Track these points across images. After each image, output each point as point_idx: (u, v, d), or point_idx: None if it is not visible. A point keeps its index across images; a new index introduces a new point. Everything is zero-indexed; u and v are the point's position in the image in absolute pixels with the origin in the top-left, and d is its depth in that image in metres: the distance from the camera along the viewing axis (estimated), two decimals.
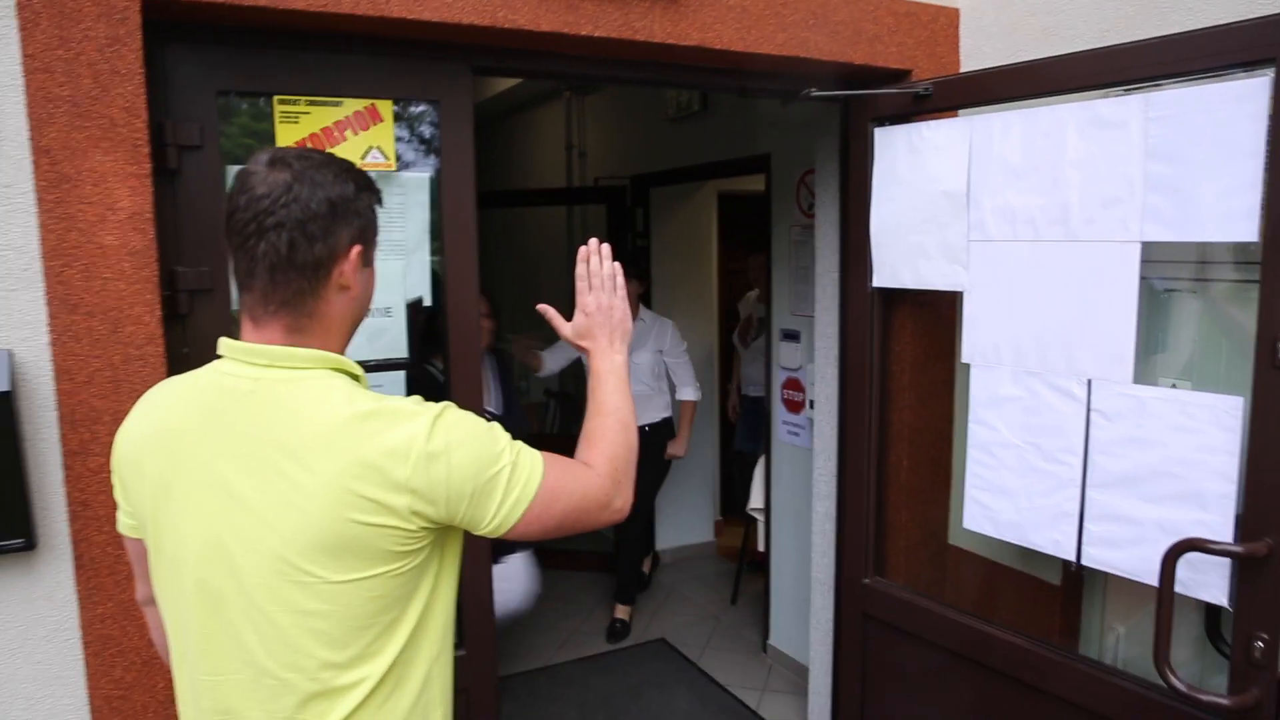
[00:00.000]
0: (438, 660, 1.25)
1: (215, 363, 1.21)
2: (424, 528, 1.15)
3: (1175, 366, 2.19)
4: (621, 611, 4.48)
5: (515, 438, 1.25)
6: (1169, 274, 2.18)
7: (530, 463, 1.22)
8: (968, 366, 2.36)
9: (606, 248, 1.55)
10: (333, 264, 1.17)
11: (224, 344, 1.21)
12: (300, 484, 1.10)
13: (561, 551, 5.15)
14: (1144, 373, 2.20)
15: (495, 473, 1.17)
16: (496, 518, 1.18)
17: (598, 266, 1.52)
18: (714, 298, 5.58)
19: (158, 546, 1.21)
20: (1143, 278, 2.11)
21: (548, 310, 1.59)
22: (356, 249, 1.19)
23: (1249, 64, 1.78)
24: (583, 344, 1.50)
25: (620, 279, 1.54)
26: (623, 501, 1.31)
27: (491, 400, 3.48)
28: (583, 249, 1.53)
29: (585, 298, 1.50)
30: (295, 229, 1.12)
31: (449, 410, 1.18)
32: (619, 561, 4.61)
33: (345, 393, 1.15)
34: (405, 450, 1.11)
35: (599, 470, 1.30)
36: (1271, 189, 1.73)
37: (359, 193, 1.20)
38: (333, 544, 1.10)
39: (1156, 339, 2.23)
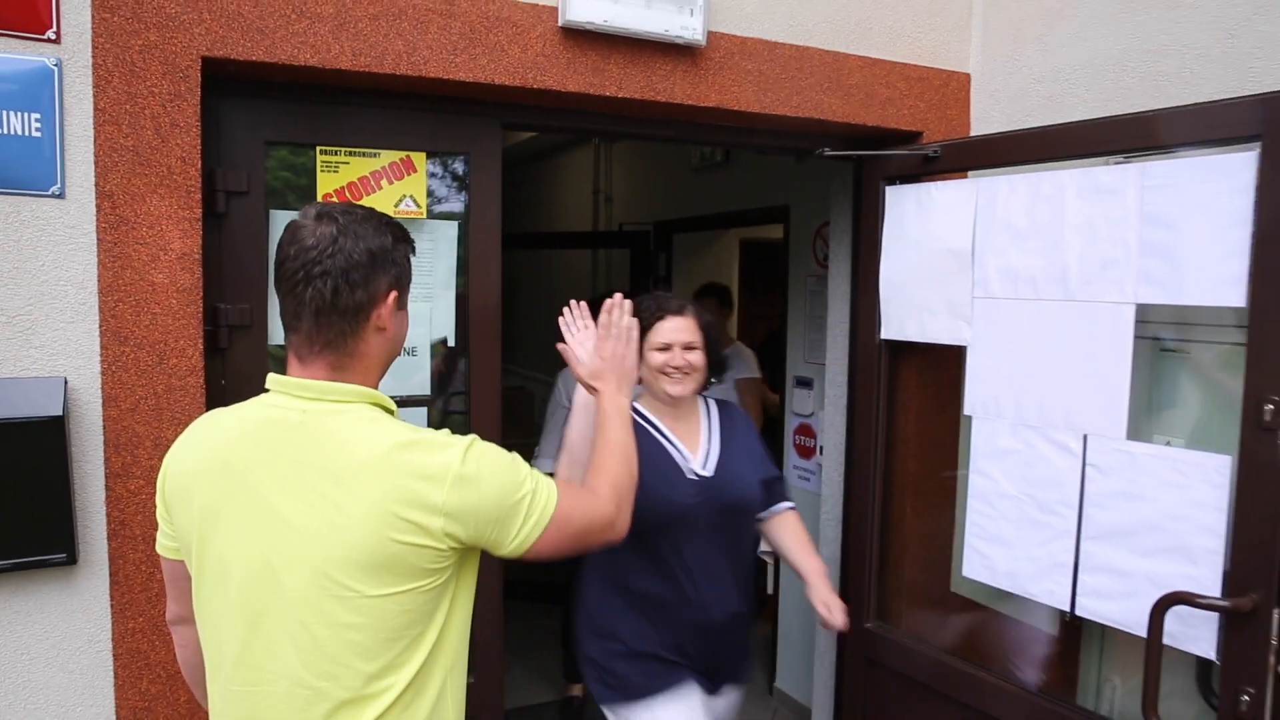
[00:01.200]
0: (452, 672, 1.36)
1: (262, 396, 1.33)
2: (453, 548, 1.26)
3: (1171, 424, 2.25)
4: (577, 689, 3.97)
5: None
6: (1169, 334, 2.25)
7: (547, 490, 1.35)
8: (970, 418, 2.44)
9: (629, 303, 1.71)
10: (372, 308, 1.29)
11: (272, 379, 1.32)
12: (344, 507, 1.21)
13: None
14: (1141, 429, 2.27)
15: (519, 498, 1.30)
16: (518, 538, 1.31)
17: (618, 318, 1.68)
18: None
19: (201, 568, 1.32)
20: (1155, 337, 2.20)
21: (568, 350, 1.73)
22: (393, 295, 1.32)
23: (1238, 139, 1.87)
24: (595, 384, 1.68)
25: (635, 333, 1.70)
26: (623, 523, 1.47)
27: (702, 457, 2.24)
28: (608, 301, 1.70)
29: (604, 344, 1.68)
30: (339, 277, 1.25)
31: (477, 442, 1.31)
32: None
33: (385, 424, 1.27)
34: (441, 476, 1.23)
35: (604, 496, 1.45)
36: (1258, 257, 1.81)
37: (396, 244, 1.33)
38: (372, 561, 1.21)
39: (1155, 397, 2.29)
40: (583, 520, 1.39)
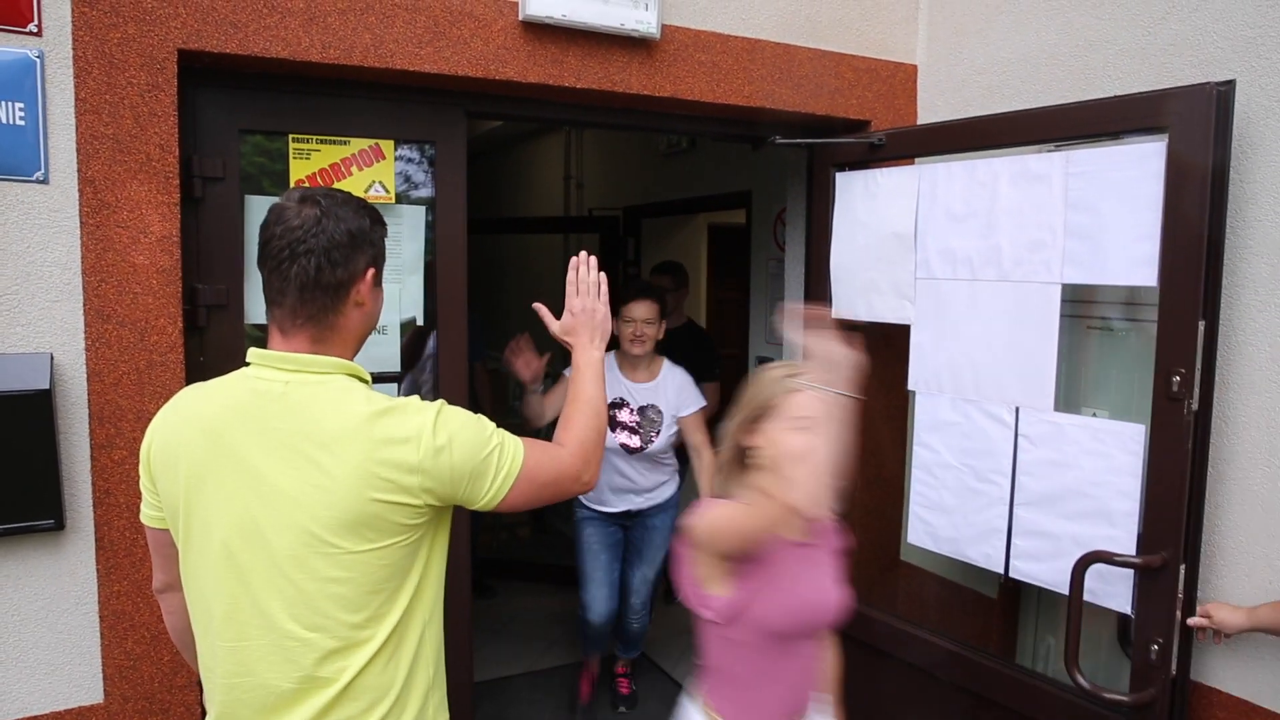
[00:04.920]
0: (430, 624, 1.47)
1: (244, 369, 1.42)
2: (429, 504, 1.37)
3: (1102, 397, 2.41)
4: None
5: None
6: (1101, 313, 2.40)
7: (514, 445, 1.45)
8: (914, 393, 2.58)
9: (594, 259, 1.79)
10: (351, 285, 1.40)
11: (254, 353, 1.41)
12: (328, 469, 1.32)
13: (546, 565, 5.35)
14: (1074, 402, 2.42)
15: (488, 453, 1.40)
16: (490, 490, 1.41)
17: (586, 274, 1.75)
18: (701, 324, 5.80)
19: (188, 532, 1.40)
20: (1102, 317, 2.34)
21: (541, 308, 1.82)
22: (371, 272, 1.42)
23: (1149, 130, 2.02)
24: (568, 339, 1.74)
25: (604, 286, 1.77)
26: (590, 475, 1.56)
27: None
28: (574, 259, 1.77)
29: (573, 300, 1.74)
30: (322, 255, 1.35)
31: (446, 406, 1.42)
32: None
33: (364, 393, 1.38)
34: (417, 438, 1.34)
35: (570, 450, 1.54)
36: (1166, 239, 1.96)
37: (373, 226, 1.44)
38: (355, 519, 1.32)
39: (1086, 372, 2.44)
40: (549, 473, 1.48)
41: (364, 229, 1.41)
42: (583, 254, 1.77)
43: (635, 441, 3.35)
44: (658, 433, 3.34)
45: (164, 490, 1.43)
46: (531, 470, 1.45)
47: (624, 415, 3.36)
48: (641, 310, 3.28)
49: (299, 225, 1.35)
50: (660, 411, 3.34)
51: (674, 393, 3.36)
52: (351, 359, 1.45)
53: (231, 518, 1.35)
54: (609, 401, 3.03)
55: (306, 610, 1.34)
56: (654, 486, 3.52)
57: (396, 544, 1.36)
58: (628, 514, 3.52)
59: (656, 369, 3.41)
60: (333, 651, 1.36)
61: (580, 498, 3.42)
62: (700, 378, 3.87)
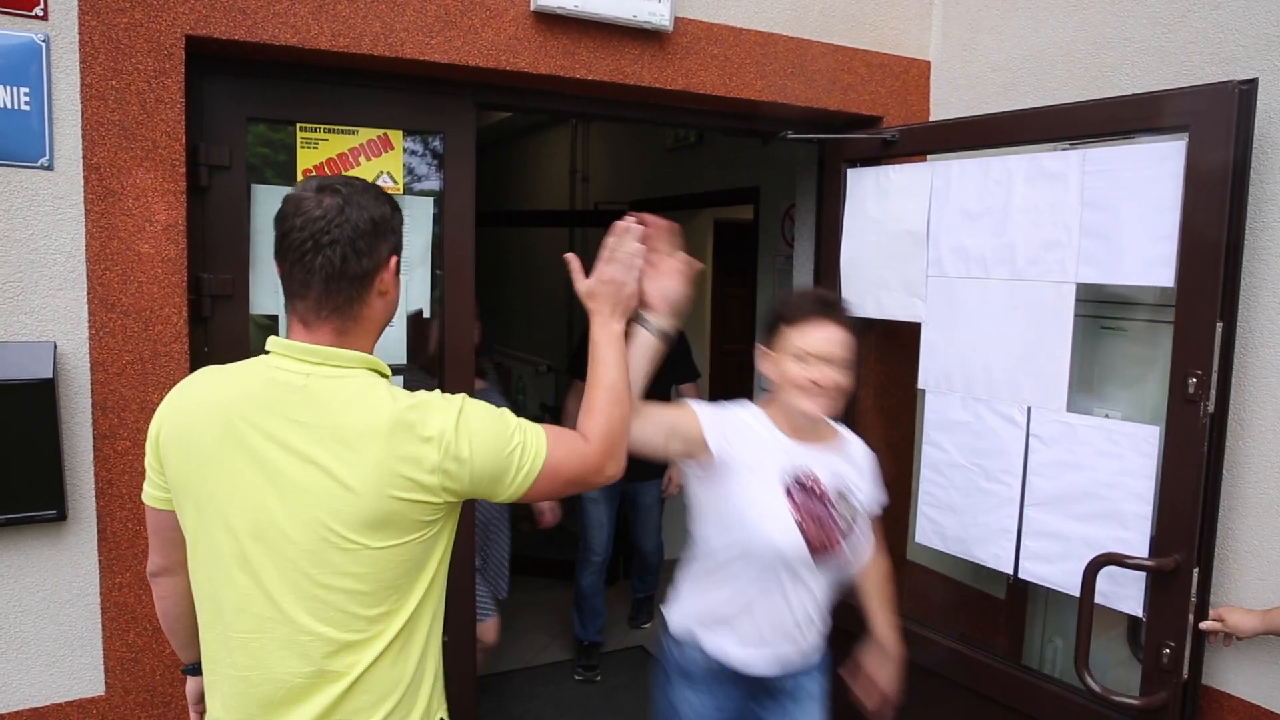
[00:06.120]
0: (436, 618, 1.46)
1: (262, 358, 1.39)
2: (448, 501, 1.36)
3: (1115, 398, 2.38)
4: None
5: None
6: (1114, 313, 2.38)
7: (536, 440, 1.42)
8: (924, 392, 2.56)
9: (638, 229, 1.66)
10: (376, 273, 1.37)
11: (274, 342, 1.38)
12: (349, 465, 1.29)
13: (550, 561, 5.33)
14: (1083, 402, 2.40)
15: (510, 450, 1.38)
16: (512, 487, 1.40)
17: (625, 244, 1.64)
18: (707, 321, 5.79)
19: (199, 521, 1.38)
20: (1111, 317, 2.31)
21: (572, 259, 1.71)
22: (394, 259, 1.40)
23: (1169, 128, 1.99)
24: (590, 304, 1.64)
25: (639, 261, 1.65)
26: (615, 467, 1.52)
27: None
28: (619, 223, 1.66)
29: (605, 267, 1.64)
30: (347, 245, 1.32)
31: (468, 401, 1.39)
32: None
33: (387, 389, 1.36)
34: (439, 438, 1.32)
35: (594, 443, 1.50)
36: (1184, 240, 1.93)
37: (393, 213, 1.41)
38: (376, 517, 1.30)
39: (1099, 372, 2.42)
40: (572, 468, 1.46)
41: (386, 216, 1.38)
42: (630, 220, 1.66)
43: (840, 543, 1.98)
44: (859, 531, 2.05)
45: (173, 475, 1.40)
46: (554, 466, 1.43)
47: (812, 501, 1.96)
48: (834, 343, 1.91)
49: (321, 215, 1.32)
50: (859, 498, 2.05)
51: (870, 476, 2.14)
52: (371, 350, 1.43)
53: (246, 510, 1.33)
54: (786, 483, 1.96)
55: (321, 605, 1.33)
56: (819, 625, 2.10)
57: (415, 540, 1.35)
58: (763, 683, 2.06)
59: (833, 432, 2.11)
60: (345, 645, 1.34)
61: (686, 651, 2.06)
62: (680, 379, 3.85)
